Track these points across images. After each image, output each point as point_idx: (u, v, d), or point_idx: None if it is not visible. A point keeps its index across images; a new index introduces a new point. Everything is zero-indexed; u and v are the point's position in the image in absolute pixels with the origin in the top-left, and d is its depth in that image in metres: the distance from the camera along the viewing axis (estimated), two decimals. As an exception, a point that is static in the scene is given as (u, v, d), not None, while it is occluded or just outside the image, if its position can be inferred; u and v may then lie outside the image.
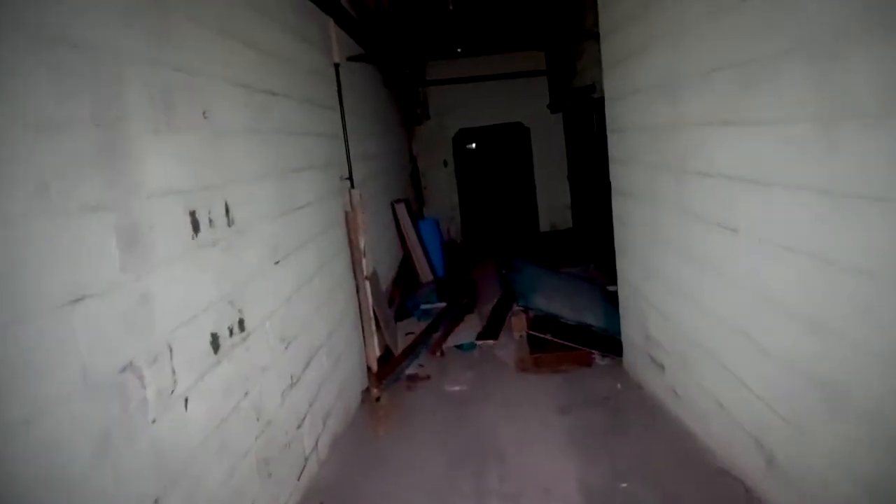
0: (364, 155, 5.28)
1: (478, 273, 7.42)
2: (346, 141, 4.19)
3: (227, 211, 2.23)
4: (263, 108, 2.73)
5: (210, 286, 2.06)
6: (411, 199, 8.76)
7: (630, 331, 3.76)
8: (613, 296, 5.19)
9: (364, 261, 4.15)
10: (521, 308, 4.75)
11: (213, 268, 2.08)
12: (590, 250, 7.44)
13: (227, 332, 2.13)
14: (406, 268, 6.79)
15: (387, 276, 5.69)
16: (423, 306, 5.82)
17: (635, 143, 3.32)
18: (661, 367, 3.20)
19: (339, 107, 4.16)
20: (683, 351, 2.91)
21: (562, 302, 4.60)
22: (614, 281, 6.20)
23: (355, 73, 5.28)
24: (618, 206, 3.73)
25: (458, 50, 4.96)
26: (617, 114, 3.57)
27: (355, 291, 4.12)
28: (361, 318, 4.11)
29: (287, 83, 3.13)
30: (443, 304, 5.83)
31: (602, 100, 6.23)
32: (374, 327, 4.17)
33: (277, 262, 2.73)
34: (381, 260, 5.46)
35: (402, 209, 6.76)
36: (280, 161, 2.91)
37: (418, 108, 9.29)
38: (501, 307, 5.02)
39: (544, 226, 9.88)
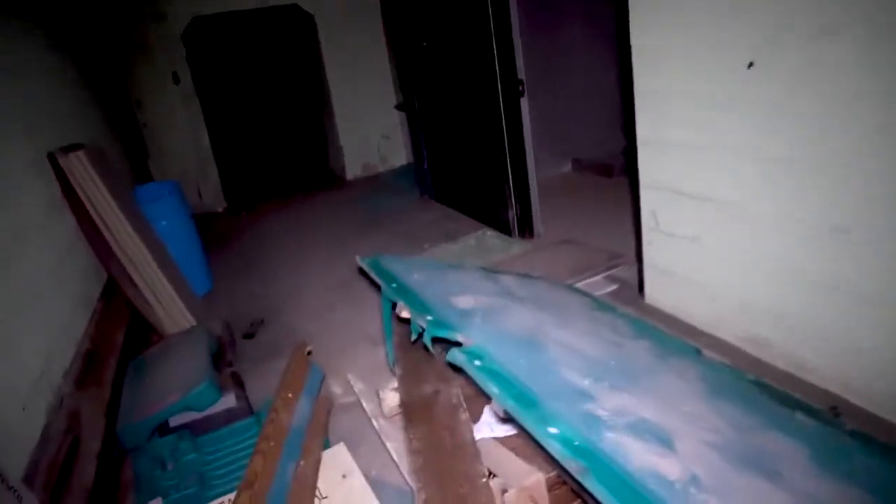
0: None
1: (277, 267, 3.98)
2: None
3: None
4: None
5: None
6: (117, 148, 4.64)
7: None
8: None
9: None
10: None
11: None
12: (472, 202, 4.49)
13: None
14: (118, 308, 3.04)
15: (63, 364, 2.02)
16: (178, 421, 2.29)
17: None
18: None
19: None
20: None
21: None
22: (566, 270, 3.26)
23: None
24: None
25: None
26: None
27: None
28: None
29: None
30: (231, 404, 2.38)
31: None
32: None
33: None
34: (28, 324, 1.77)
35: (86, 172, 2.89)
36: None
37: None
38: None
39: (353, 169, 6.54)
